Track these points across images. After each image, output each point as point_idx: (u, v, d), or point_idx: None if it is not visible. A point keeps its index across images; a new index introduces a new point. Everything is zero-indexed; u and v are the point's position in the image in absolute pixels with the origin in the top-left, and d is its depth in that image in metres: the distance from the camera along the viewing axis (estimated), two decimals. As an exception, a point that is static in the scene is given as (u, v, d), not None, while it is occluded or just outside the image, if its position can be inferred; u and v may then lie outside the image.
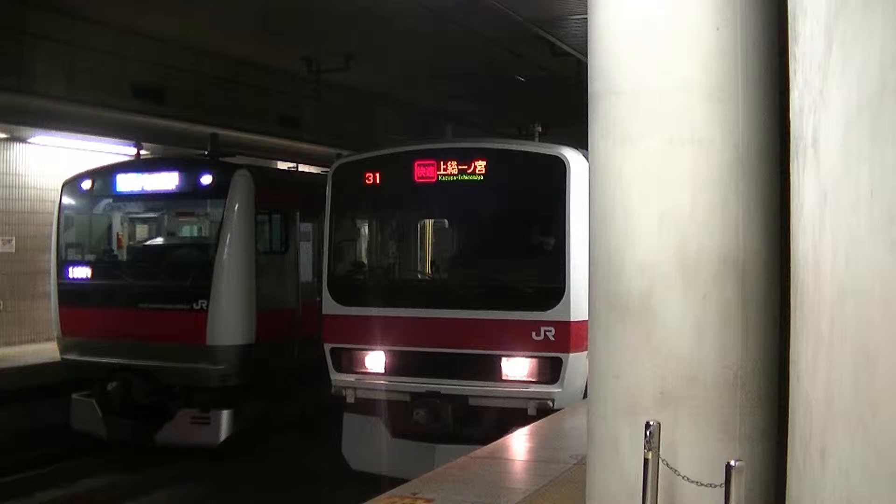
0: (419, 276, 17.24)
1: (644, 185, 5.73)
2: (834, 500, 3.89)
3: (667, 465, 5.44)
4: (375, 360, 14.49)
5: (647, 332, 5.69)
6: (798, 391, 4.56)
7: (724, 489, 4.92)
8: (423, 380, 14.07)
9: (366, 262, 17.02)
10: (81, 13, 19.35)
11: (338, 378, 14.75)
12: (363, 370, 14.61)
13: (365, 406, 14.69)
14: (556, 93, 22.96)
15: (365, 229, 17.28)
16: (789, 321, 4.83)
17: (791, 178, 4.72)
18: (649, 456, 5.37)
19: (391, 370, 14.40)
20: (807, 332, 4.40)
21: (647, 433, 5.39)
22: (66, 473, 16.33)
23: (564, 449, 10.14)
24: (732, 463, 4.91)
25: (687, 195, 5.60)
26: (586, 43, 6.29)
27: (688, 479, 5.42)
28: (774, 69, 5.61)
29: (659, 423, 5.41)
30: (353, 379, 14.62)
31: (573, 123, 10.65)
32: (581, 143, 8.09)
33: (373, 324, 14.47)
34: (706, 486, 5.33)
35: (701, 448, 5.56)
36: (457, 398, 13.85)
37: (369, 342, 14.49)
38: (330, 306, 14.99)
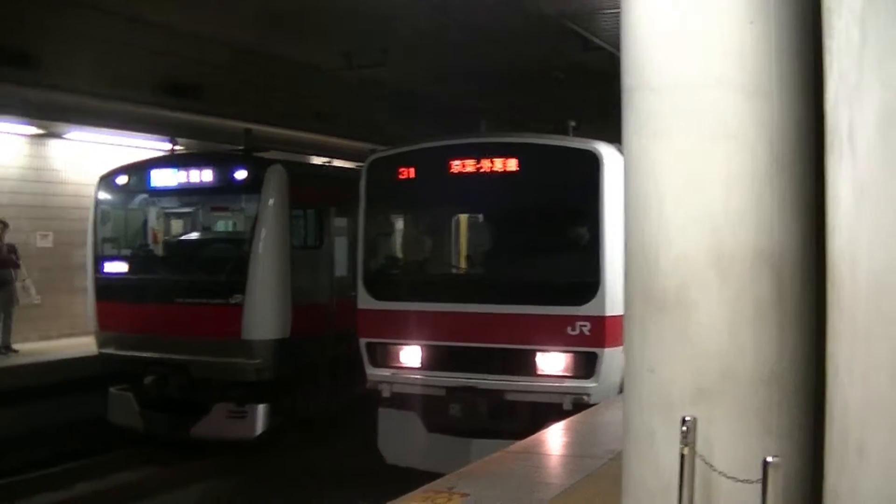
0: (454, 270, 17.23)
1: (678, 181, 5.71)
2: (873, 495, 3.88)
3: (703, 460, 5.43)
4: (411, 355, 14.52)
5: (682, 328, 5.68)
6: (835, 387, 4.55)
7: (760, 485, 4.91)
8: (459, 374, 14.09)
9: (400, 256, 17.05)
10: (119, 10, 19.44)
11: (373, 372, 14.80)
12: (398, 365, 14.65)
13: (400, 400, 14.73)
14: (589, 88, 22.90)
15: (399, 224, 17.30)
16: (825, 316, 4.82)
17: (826, 172, 4.71)
18: (685, 451, 5.36)
19: (426, 365, 14.42)
20: (843, 328, 4.39)
21: (684, 428, 5.38)
22: (103, 466, 16.46)
23: (600, 444, 10.13)
24: (769, 459, 4.90)
25: (721, 191, 5.58)
26: (619, 37, 6.28)
27: (724, 474, 5.41)
28: (809, 63, 5.58)
29: (695, 419, 5.39)
30: (388, 373, 14.66)
31: (606, 118, 10.63)
32: (615, 138, 8.08)
33: (408, 318, 14.51)
34: (743, 481, 5.31)
35: (737, 443, 5.54)
36: (492, 393, 13.86)
37: (404, 337, 14.53)
38: (365, 301, 15.03)
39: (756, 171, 5.54)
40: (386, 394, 14.69)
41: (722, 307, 5.59)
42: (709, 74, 5.63)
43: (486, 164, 14.32)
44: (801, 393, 5.56)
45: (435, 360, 14.38)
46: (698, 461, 5.40)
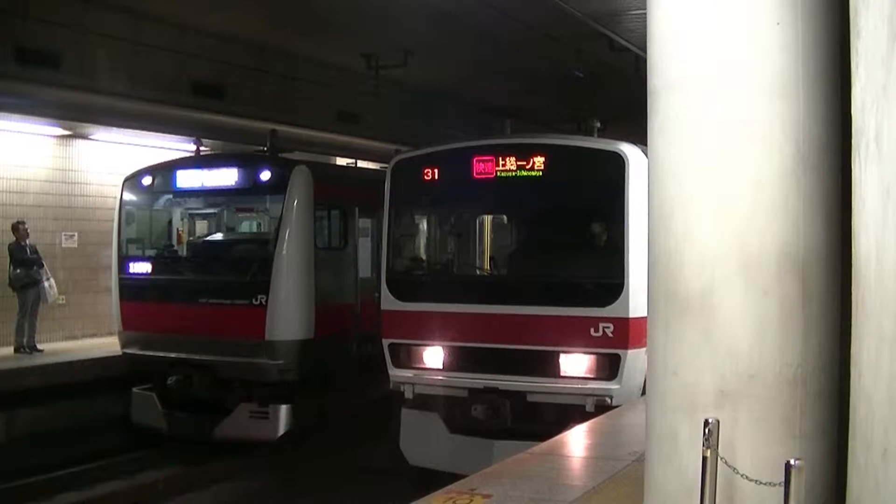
0: (477, 271, 17.24)
1: (704, 182, 5.69)
2: (896, 500, 3.85)
3: (725, 462, 5.40)
4: (433, 356, 14.49)
5: (706, 330, 5.65)
6: (860, 389, 4.52)
7: (783, 488, 4.88)
8: (482, 375, 14.06)
9: (424, 257, 17.04)
10: (143, 10, 19.54)
11: (396, 373, 14.79)
12: (421, 366, 14.62)
13: (423, 401, 14.72)
14: (615, 88, 22.86)
15: (423, 225, 17.30)
16: (851, 318, 4.79)
17: (853, 173, 4.68)
18: (708, 453, 5.33)
19: (449, 366, 14.40)
20: (869, 330, 4.36)
21: (706, 430, 5.35)
22: (125, 466, 16.51)
23: (623, 445, 10.09)
24: (792, 462, 4.86)
25: (747, 192, 5.55)
26: (645, 38, 6.26)
27: (747, 477, 5.38)
28: (836, 64, 5.55)
29: (718, 421, 5.37)
30: (411, 374, 14.64)
31: (632, 119, 10.61)
32: (640, 139, 8.05)
33: (431, 319, 14.50)
34: (765, 484, 5.28)
35: (760, 446, 5.51)
36: (515, 394, 13.83)
37: (427, 338, 14.51)
38: (388, 302, 15.02)
39: (782, 172, 5.51)
40: (408, 394, 14.68)
41: (746, 309, 5.56)
42: (735, 75, 5.60)
43: (510, 165, 14.28)
44: (826, 395, 5.53)
45: (458, 361, 14.35)
46: (721, 463, 5.38)
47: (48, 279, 18.86)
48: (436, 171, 14.93)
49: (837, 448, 5.43)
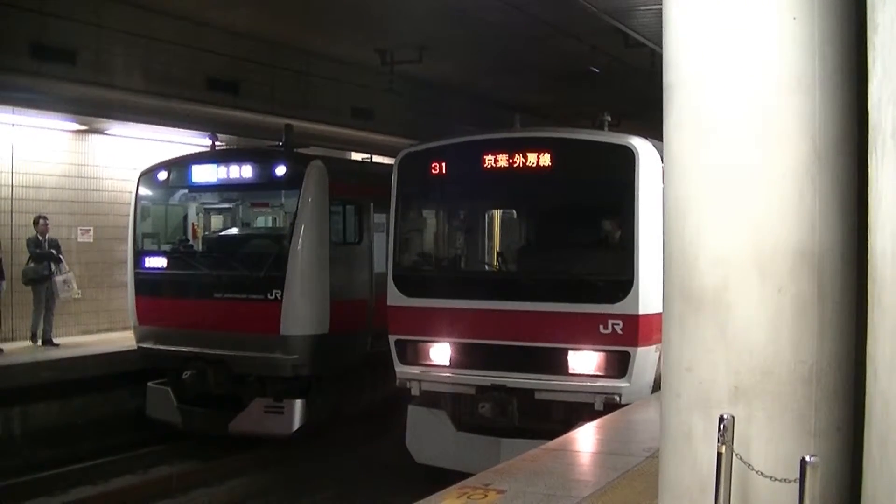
0: (485, 267, 17.11)
1: (719, 178, 5.68)
2: (911, 497, 3.84)
3: (740, 459, 5.40)
4: (440, 353, 14.35)
5: (720, 326, 5.64)
6: (875, 387, 4.51)
7: (798, 484, 4.87)
8: (489, 373, 13.89)
9: (431, 253, 16.87)
10: (158, 6, 19.58)
11: (403, 370, 14.64)
12: (428, 362, 14.46)
13: (430, 399, 14.63)
14: (630, 85, 22.83)
15: (431, 220, 17.18)
16: (866, 316, 4.78)
17: (869, 170, 4.67)
18: (723, 450, 5.33)
19: (456, 363, 14.26)
20: (885, 328, 4.35)
21: (721, 427, 5.34)
22: (140, 460, 16.55)
23: (637, 442, 10.08)
24: (808, 458, 4.86)
25: (762, 188, 5.54)
26: (660, 33, 6.24)
27: (761, 473, 5.38)
28: (853, 59, 5.53)
29: (733, 417, 5.36)
30: (417, 371, 14.50)
31: (647, 116, 10.58)
32: (656, 135, 8.01)
33: (438, 316, 14.37)
34: (780, 480, 5.27)
35: (775, 443, 5.50)
36: (523, 392, 13.69)
37: (434, 334, 14.37)
38: (395, 298, 14.88)
39: (798, 168, 5.49)
40: (415, 391, 14.55)
41: (761, 305, 5.55)
42: (750, 71, 5.59)
43: (519, 160, 14.09)
44: (841, 392, 5.52)
45: (465, 358, 14.20)
46: (735, 460, 5.37)
47: (64, 274, 18.91)
48: (443, 165, 14.78)
49: (852, 445, 5.42)
